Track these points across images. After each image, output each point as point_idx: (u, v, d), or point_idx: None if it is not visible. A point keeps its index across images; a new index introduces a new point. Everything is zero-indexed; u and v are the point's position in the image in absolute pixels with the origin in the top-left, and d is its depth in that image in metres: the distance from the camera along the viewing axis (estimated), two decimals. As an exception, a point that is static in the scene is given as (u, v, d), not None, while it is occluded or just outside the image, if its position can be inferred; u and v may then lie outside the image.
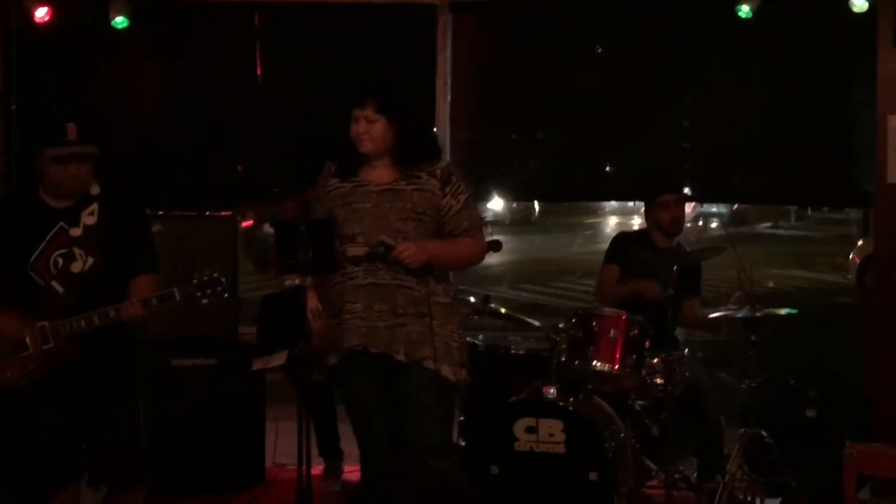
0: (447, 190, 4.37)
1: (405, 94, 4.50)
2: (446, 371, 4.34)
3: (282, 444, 6.17)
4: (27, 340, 4.36)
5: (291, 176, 6.30)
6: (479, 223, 4.56)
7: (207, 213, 6.25)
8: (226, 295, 4.45)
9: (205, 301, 4.37)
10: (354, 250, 4.31)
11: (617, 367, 5.34)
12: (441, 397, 4.38)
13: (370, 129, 4.32)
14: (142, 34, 6.43)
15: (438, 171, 4.40)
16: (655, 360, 5.48)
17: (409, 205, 4.32)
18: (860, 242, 16.35)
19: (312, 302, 4.30)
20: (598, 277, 6.04)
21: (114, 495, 4.73)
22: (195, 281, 4.36)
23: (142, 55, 6.47)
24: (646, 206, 5.97)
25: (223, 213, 6.24)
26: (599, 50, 6.51)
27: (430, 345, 4.31)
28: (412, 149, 4.39)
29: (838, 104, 6.24)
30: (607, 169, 6.55)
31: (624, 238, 6.09)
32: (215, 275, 4.37)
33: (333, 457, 6.04)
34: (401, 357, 4.31)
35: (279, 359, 4.16)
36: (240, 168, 6.59)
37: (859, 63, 6.11)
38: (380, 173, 4.39)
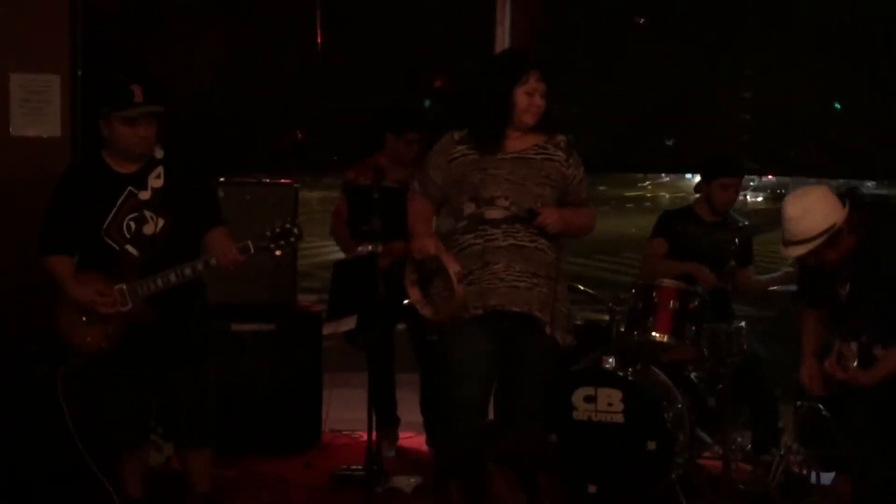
0: (570, 161, 4.51)
1: None
2: (559, 336, 4.45)
3: (336, 412, 6.20)
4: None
5: (352, 144, 6.35)
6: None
7: (268, 180, 6.29)
8: (298, 241, 4.43)
9: (278, 253, 4.40)
10: (493, 213, 4.38)
11: (676, 338, 5.35)
12: (553, 363, 4.53)
13: (542, 102, 4.45)
14: (205, 1, 6.48)
15: (562, 143, 4.54)
16: (713, 332, 5.48)
17: (543, 172, 4.44)
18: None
19: (456, 267, 4.28)
20: (644, 251, 6.04)
21: (182, 453, 4.84)
22: (268, 233, 4.39)
23: (205, 22, 6.51)
24: (701, 182, 5.96)
25: (284, 181, 6.27)
26: (661, 22, 6.49)
27: (549, 310, 4.39)
28: (550, 119, 4.52)
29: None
30: (668, 143, 6.54)
31: (670, 215, 6.08)
32: (287, 225, 4.40)
33: (390, 423, 6.09)
34: (537, 313, 4.38)
35: (349, 324, 4.19)
36: (300, 135, 6.62)
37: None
38: (511, 143, 4.47)
